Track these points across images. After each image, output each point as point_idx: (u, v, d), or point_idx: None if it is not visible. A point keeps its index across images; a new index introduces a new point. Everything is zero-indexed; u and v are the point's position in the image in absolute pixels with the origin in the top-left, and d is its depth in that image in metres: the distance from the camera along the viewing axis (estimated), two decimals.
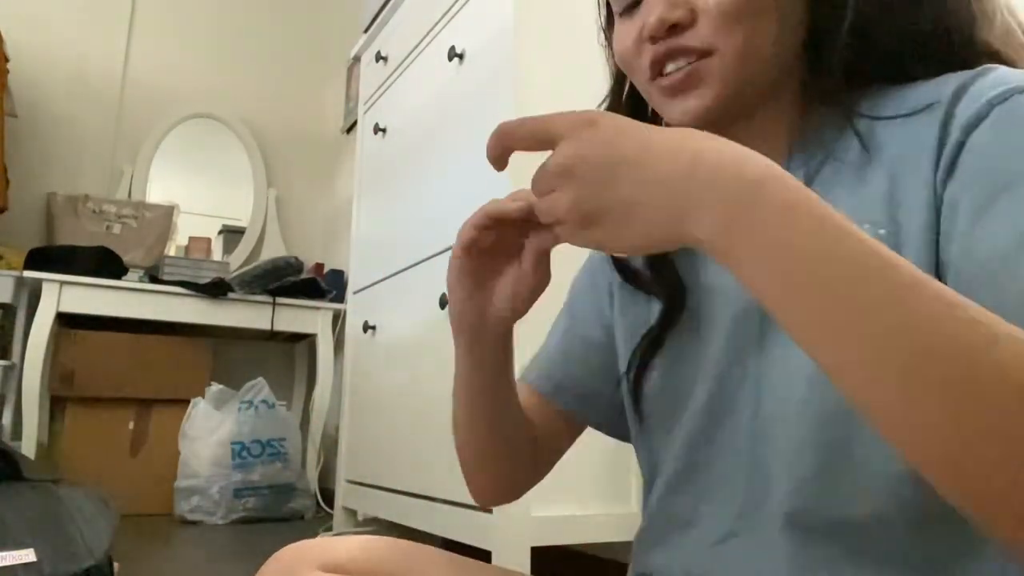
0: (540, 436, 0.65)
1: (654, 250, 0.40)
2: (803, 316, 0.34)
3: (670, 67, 0.52)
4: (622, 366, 0.62)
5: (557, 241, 0.47)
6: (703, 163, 0.37)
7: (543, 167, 0.41)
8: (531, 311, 0.53)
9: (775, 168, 0.36)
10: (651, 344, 0.59)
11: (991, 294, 0.38)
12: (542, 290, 0.52)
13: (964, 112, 0.44)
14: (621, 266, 0.63)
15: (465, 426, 0.61)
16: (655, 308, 0.60)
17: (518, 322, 0.54)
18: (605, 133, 0.39)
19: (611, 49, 0.61)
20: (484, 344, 0.55)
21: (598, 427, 0.68)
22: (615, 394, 0.65)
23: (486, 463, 0.63)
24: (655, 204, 0.38)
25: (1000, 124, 0.43)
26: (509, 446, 0.62)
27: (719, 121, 0.54)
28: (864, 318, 0.32)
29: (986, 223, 0.41)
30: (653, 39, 0.52)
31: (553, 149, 0.41)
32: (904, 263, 0.33)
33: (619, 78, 0.63)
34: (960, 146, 0.44)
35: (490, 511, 1.23)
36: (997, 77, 0.45)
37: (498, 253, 0.52)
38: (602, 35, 0.64)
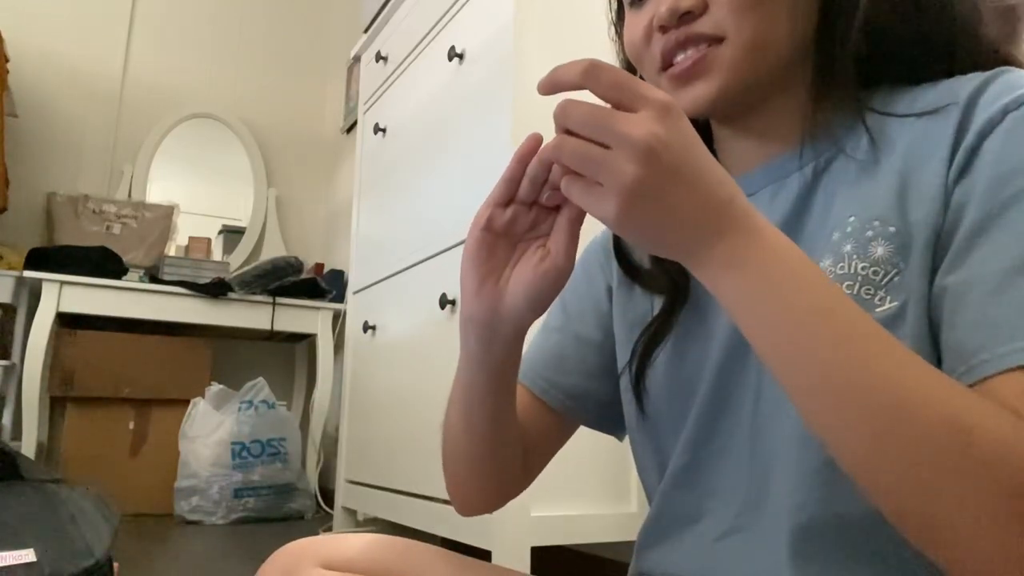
0: (530, 440, 0.63)
1: (663, 255, 0.43)
2: (776, 348, 0.40)
3: (680, 56, 0.52)
4: (621, 363, 0.62)
5: (583, 214, 0.45)
6: (736, 201, 0.40)
7: (618, 121, 0.38)
8: None
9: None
10: (653, 339, 0.58)
11: (984, 310, 0.40)
12: (564, 281, 0.48)
13: (980, 116, 0.45)
14: (624, 261, 0.63)
15: (460, 433, 0.58)
16: (656, 305, 0.60)
17: None
18: (687, 131, 0.39)
19: (621, 43, 0.61)
20: (494, 344, 0.51)
21: (588, 424, 0.68)
22: (607, 392, 0.65)
23: (476, 474, 0.60)
24: (691, 219, 0.40)
25: (1013, 132, 0.43)
26: (503, 455, 0.59)
27: (729, 111, 0.55)
28: (826, 355, 0.38)
29: (990, 237, 0.41)
30: (664, 28, 0.52)
31: (623, 109, 0.39)
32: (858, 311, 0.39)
33: (629, 71, 0.63)
34: (974, 151, 0.44)
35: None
36: (1012, 81, 0.45)
37: (513, 239, 0.49)
38: (612, 29, 0.64)
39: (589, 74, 0.40)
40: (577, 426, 0.68)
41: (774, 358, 0.40)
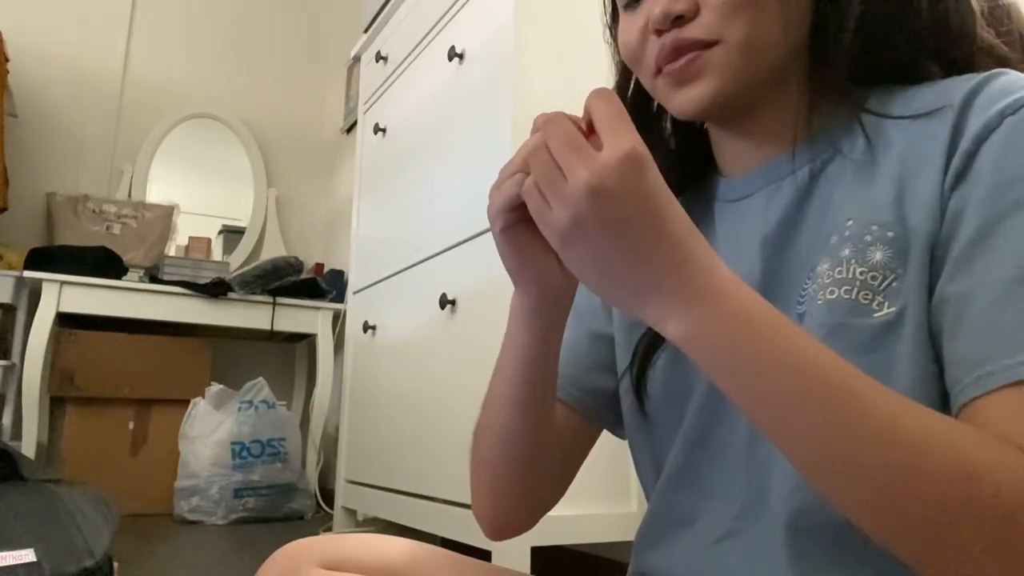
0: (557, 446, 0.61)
1: (609, 302, 0.43)
2: (754, 404, 0.40)
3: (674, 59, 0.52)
4: (622, 364, 0.62)
5: None
6: (690, 264, 0.39)
7: (578, 159, 0.38)
8: None
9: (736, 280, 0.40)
10: (654, 341, 0.58)
11: (988, 321, 0.40)
12: None
13: (975, 120, 0.44)
14: None
15: (503, 428, 0.55)
16: None
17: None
18: (641, 185, 0.38)
19: (616, 45, 0.61)
20: (551, 314, 0.50)
21: (603, 422, 0.66)
22: (617, 389, 0.65)
23: (514, 483, 0.58)
24: (636, 276, 0.40)
25: (1012, 137, 0.43)
26: (542, 461, 0.58)
27: (724, 113, 0.54)
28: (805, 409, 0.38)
29: (991, 245, 0.41)
30: (658, 32, 0.52)
31: (595, 142, 0.39)
32: (837, 362, 0.38)
33: (624, 73, 0.63)
34: (971, 156, 0.44)
35: None
36: (1007, 83, 0.45)
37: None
38: (607, 31, 0.64)
39: (548, 121, 0.40)
40: (595, 429, 0.66)
41: (763, 422, 0.40)
